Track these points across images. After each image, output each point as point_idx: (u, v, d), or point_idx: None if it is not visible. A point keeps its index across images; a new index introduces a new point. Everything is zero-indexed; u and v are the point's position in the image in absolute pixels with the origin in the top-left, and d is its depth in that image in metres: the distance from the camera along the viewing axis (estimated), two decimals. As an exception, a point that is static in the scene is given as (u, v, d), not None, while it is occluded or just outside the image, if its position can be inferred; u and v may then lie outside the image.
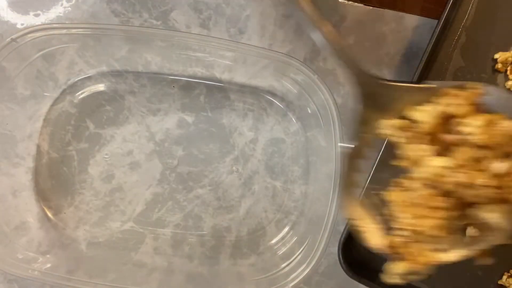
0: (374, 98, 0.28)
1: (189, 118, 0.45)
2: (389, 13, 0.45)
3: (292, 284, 0.39)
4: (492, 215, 0.22)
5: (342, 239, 0.40)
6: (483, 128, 0.22)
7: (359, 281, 0.40)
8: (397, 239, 0.24)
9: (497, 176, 0.21)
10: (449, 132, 0.23)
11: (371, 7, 0.45)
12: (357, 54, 0.45)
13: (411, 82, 0.31)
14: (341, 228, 0.44)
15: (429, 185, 0.23)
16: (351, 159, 0.29)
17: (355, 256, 0.42)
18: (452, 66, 0.42)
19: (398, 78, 0.44)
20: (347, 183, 0.30)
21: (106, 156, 0.45)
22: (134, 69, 0.45)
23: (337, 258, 0.44)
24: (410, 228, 0.23)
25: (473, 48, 0.42)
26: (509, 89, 0.42)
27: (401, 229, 0.24)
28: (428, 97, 0.25)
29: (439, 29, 0.41)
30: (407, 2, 0.46)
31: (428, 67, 0.42)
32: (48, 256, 0.42)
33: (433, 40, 0.41)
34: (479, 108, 0.23)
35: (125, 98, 0.44)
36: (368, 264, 0.42)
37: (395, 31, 0.45)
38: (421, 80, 0.42)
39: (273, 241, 0.44)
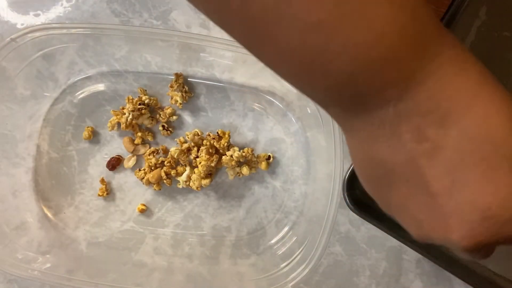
0: None
1: (189, 118, 0.45)
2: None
3: (292, 284, 0.39)
4: None
5: (346, 178, 0.40)
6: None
7: (364, 218, 0.40)
8: None
9: None
10: None
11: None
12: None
13: None
14: (341, 228, 0.44)
15: None
16: None
17: (359, 195, 0.42)
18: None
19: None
20: None
21: (106, 156, 0.45)
22: (134, 69, 0.45)
23: (337, 257, 0.44)
24: None
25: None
26: None
27: None
28: None
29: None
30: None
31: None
32: (48, 256, 0.42)
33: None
34: None
35: (125, 98, 0.44)
36: (371, 203, 0.42)
37: (395, 31, 0.45)
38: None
39: (273, 241, 0.44)
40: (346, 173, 0.41)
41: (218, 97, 0.45)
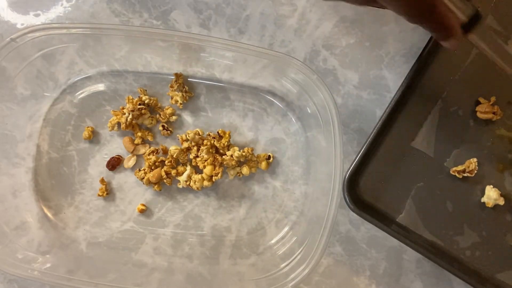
0: None
1: (189, 118, 0.45)
2: (389, 13, 0.45)
3: (292, 284, 0.39)
4: None
5: (347, 177, 0.41)
6: None
7: (364, 218, 0.40)
8: None
9: None
10: None
11: (371, 7, 0.45)
12: (357, 54, 0.45)
13: None
14: (341, 228, 0.44)
15: None
16: None
17: (359, 195, 0.42)
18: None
19: (398, 78, 0.44)
20: None
21: (106, 156, 0.45)
22: (134, 69, 0.45)
23: (337, 257, 0.44)
24: None
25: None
26: None
27: None
28: None
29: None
30: (407, 2, 0.46)
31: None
32: (48, 256, 0.42)
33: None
34: None
35: (125, 98, 0.44)
36: (371, 203, 0.43)
37: (395, 31, 0.45)
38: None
39: (273, 241, 0.44)
40: (346, 173, 0.41)
41: (218, 97, 0.45)
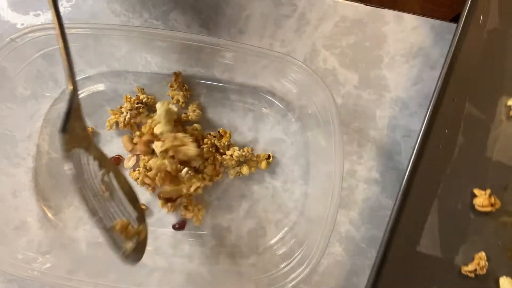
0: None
1: (189, 118, 0.45)
2: (389, 13, 0.45)
3: (292, 284, 0.39)
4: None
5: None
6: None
7: None
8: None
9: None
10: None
11: (371, 7, 0.45)
12: (357, 54, 0.45)
13: None
14: (341, 228, 0.44)
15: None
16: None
17: None
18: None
19: (398, 78, 0.44)
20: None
21: (106, 156, 0.45)
22: (134, 69, 0.45)
23: (337, 257, 0.44)
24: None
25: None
26: None
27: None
28: None
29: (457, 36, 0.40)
30: (407, 2, 0.46)
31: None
32: (48, 256, 0.42)
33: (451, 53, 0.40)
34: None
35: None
36: None
37: (395, 31, 0.45)
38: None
39: (273, 241, 0.44)
40: (369, 278, 0.40)
41: (218, 97, 0.45)
